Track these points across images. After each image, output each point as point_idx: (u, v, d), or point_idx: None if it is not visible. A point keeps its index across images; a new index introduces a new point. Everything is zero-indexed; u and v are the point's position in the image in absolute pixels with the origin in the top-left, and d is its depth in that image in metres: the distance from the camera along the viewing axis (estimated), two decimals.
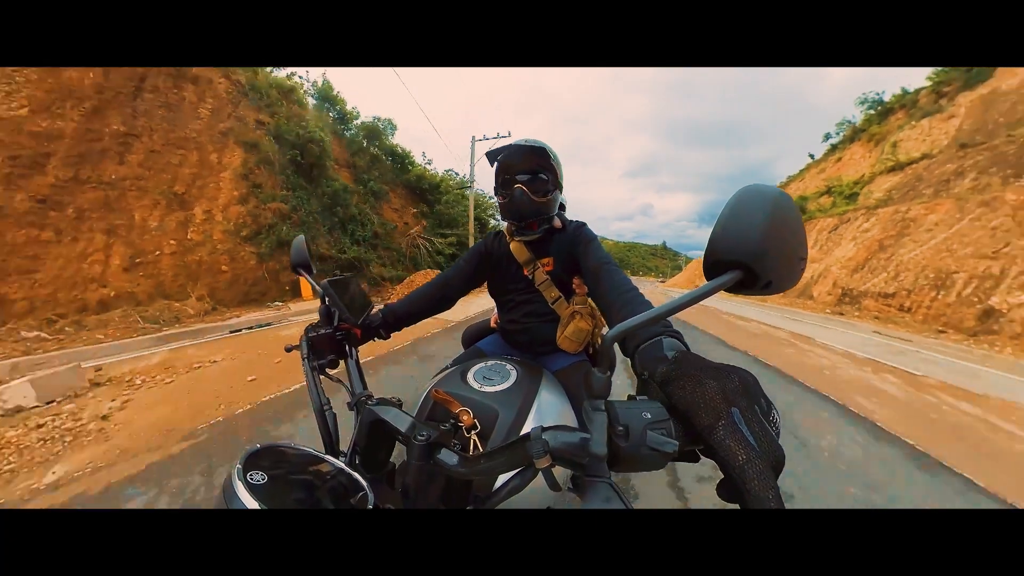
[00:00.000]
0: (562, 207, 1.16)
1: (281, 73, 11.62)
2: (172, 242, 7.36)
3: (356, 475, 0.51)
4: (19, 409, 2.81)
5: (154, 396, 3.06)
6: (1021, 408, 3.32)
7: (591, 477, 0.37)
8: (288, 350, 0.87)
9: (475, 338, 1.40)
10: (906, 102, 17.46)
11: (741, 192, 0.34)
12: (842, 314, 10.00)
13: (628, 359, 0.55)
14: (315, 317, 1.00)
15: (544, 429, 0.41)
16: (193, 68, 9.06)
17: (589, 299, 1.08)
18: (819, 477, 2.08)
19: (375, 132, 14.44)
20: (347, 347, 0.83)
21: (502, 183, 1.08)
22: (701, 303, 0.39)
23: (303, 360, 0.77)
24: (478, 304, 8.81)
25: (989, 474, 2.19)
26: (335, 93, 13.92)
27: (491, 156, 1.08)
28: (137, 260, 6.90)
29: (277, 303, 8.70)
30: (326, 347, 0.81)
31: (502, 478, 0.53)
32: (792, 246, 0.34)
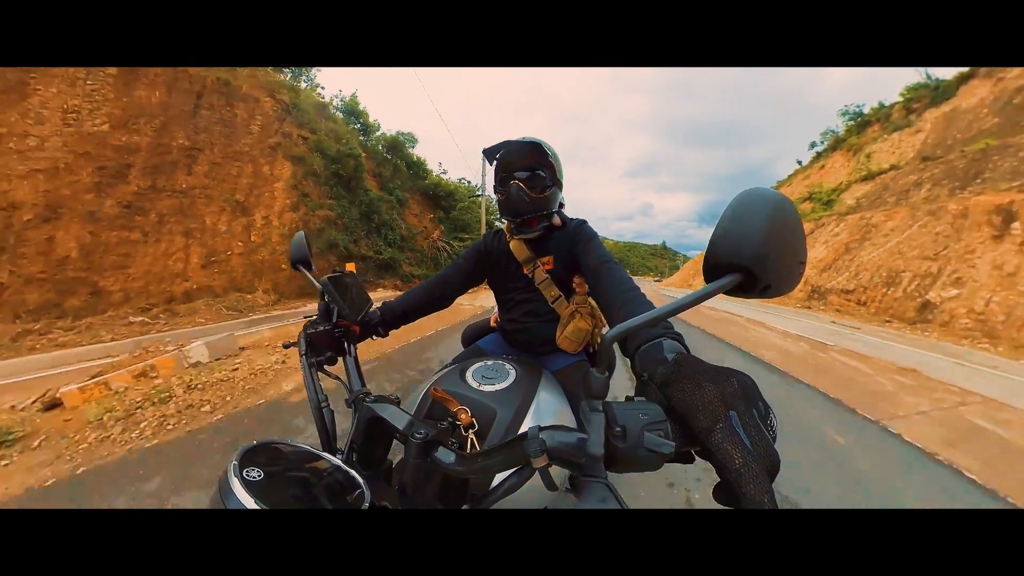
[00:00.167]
0: (560, 206, 1.13)
1: (294, 72, 12.79)
2: (239, 244, 8.64)
3: (353, 472, 0.51)
4: (199, 363, 4.04)
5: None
6: (882, 361, 4.78)
7: (588, 477, 0.37)
8: (286, 346, 0.86)
9: (475, 337, 1.40)
10: (881, 115, 18.63)
11: (742, 195, 0.34)
12: (809, 308, 11.22)
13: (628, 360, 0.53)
14: None
15: (541, 429, 0.41)
16: (242, 85, 10.30)
17: (589, 299, 1.07)
18: None
19: (397, 144, 15.72)
20: (346, 344, 0.82)
21: (500, 180, 1.07)
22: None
23: (301, 357, 0.76)
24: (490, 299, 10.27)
25: (820, 383, 3.67)
26: (361, 108, 15.20)
27: (488, 154, 1.07)
28: (212, 259, 8.16)
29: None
30: (325, 344, 0.80)
31: (499, 477, 0.53)
32: (792, 250, 0.33)
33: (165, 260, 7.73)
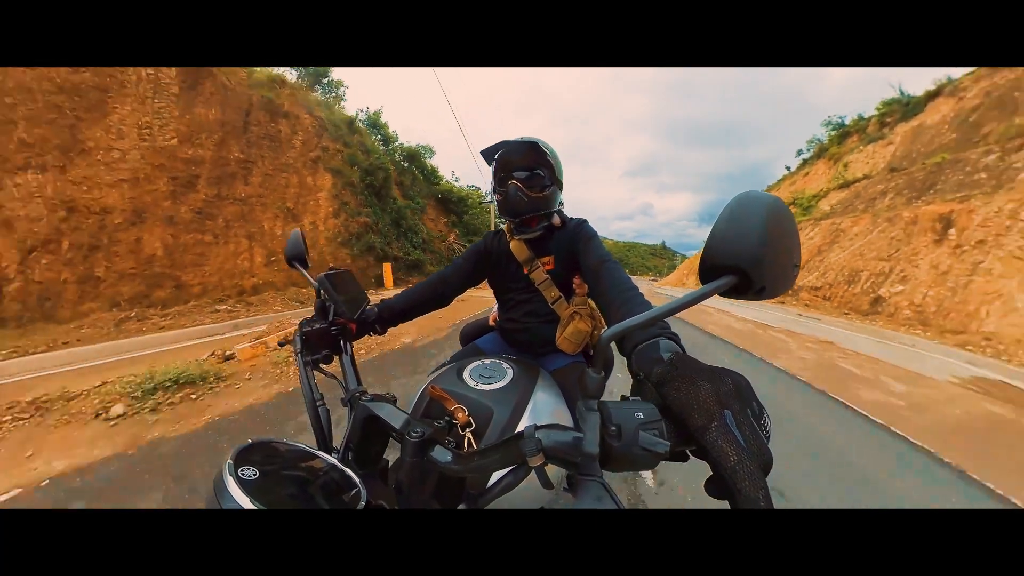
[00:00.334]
0: (559, 205, 1.10)
1: (325, 90, 14.18)
2: None
3: (349, 472, 0.50)
4: None
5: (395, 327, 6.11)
6: (807, 335, 6.28)
7: (584, 476, 0.37)
8: (281, 344, 0.87)
9: (473, 336, 1.39)
10: (860, 127, 19.89)
11: (738, 198, 0.34)
12: (783, 303, 12.54)
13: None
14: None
15: (538, 428, 0.41)
16: (284, 103, 11.59)
17: (589, 300, 1.06)
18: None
19: (415, 154, 17.08)
20: (342, 342, 0.81)
21: (498, 180, 1.07)
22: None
23: (296, 355, 0.75)
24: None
25: (740, 343, 5.21)
26: (383, 121, 16.55)
27: (487, 154, 1.05)
28: (272, 258, 9.48)
29: (370, 291, 11.41)
30: (320, 342, 0.79)
31: (496, 475, 0.52)
32: (786, 253, 0.34)
33: (234, 259, 9.04)
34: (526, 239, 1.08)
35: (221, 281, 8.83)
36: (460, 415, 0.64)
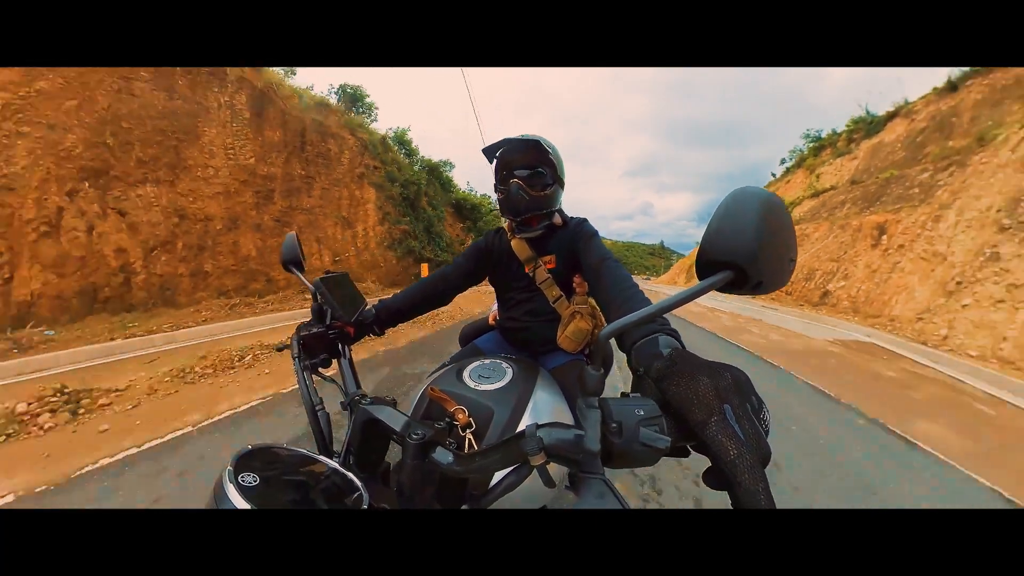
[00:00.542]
0: None
1: (357, 109, 16.24)
2: (352, 248, 12.02)
3: (350, 475, 0.50)
4: None
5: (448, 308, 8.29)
6: (744, 316, 8.63)
7: (585, 473, 0.37)
8: (279, 349, 0.86)
9: (472, 336, 1.38)
10: (832, 141, 21.87)
11: (734, 194, 0.34)
12: (759, 302, 14.61)
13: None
14: None
15: (539, 426, 0.41)
16: (331, 125, 13.52)
17: (590, 299, 1.07)
18: None
19: (435, 168, 19.17)
20: (340, 346, 0.81)
21: (500, 179, 1.07)
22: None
23: (294, 359, 0.75)
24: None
25: (694, 320, 7.76)
26: (408, 138, 18.62)
27: (488, 152, 1.04)
28: (337, 258, 11.53)
29: None
30: (318, 346, 0.79)
31: (498, 476, 0.52)
32: (782, 247, 0.34)
33: (309, 259, 10.94)
34: (527, 238, 1.09)
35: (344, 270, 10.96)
36: (460, 416, 0.64)
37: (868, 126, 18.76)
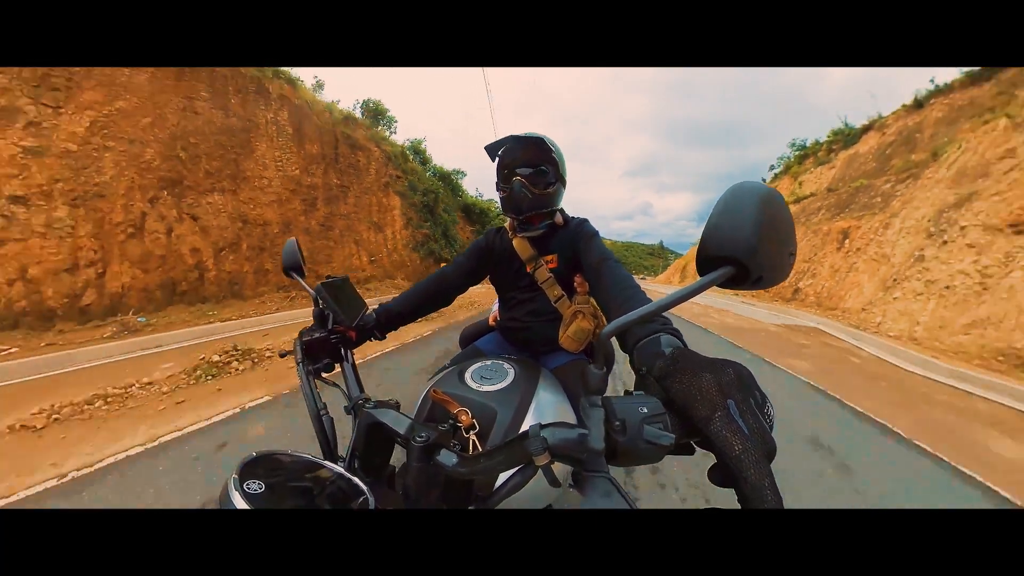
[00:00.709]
0: None
1: (381, 123, 17.83)
2: (383, 249, 13.61)
3: (355, 479, 0.51)
4: None
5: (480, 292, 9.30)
6: (717, 308, 10.49)
7: (590, 472, 0.36)
8: (282, 355, 0.86)
9: (473, 337, 1.38)
10: (815, 151, 23.37)
11: (732, 189, 0.34)
12: (736, 292, 16.18)
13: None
14: None
15: (542, 426, 0.41)
16: (359, 139, 15.00)
17: (591, 298, 1.06)
18: None
19: (447, 176, 20.77)
20: (342, 350, 0.81)
21: (502, 177, 1.06)
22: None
23: (297, 365, 0.75)
24: None
25: (674, 311, 9.51)
26: (423, 147, 20.17)
27: (491, 150, 1.05)
28: (372, 258, 13.14)
29: None
30: (321, 351, 0.79)
31: (502, 477, 0.52)
32: (782, 242, 0.34)
33: (349, 259, 12.63)
34: (529, 237, 1.10)
35: (345, 273, 12.51)
36: (464, 418, 0.64)
37: (846, 138, 20.19)
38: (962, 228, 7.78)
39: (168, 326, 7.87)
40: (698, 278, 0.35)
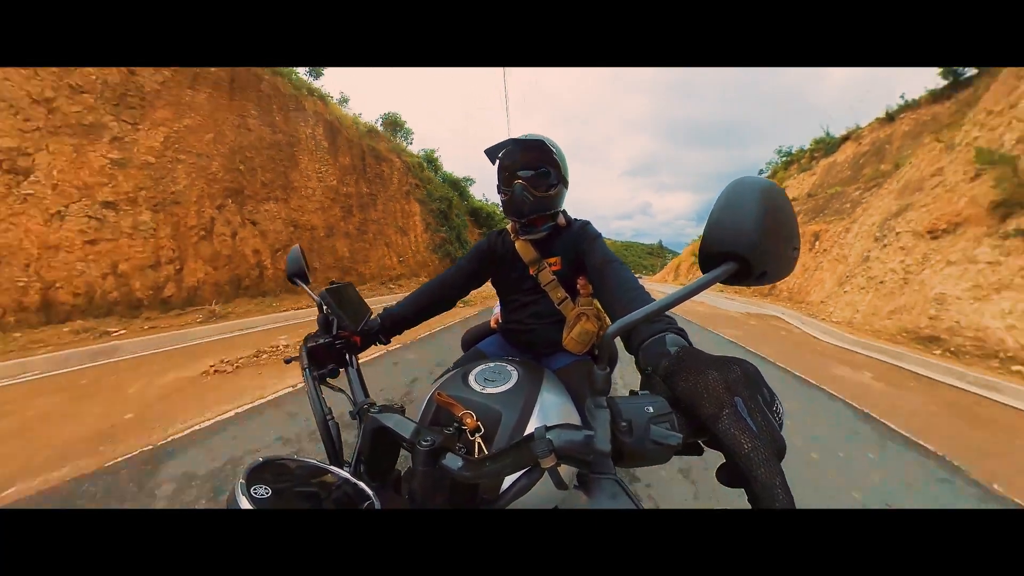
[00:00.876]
0: None
1: (397, 133, 19.47)
2: (409, 251, 15.27)
3: (361, 484, 0.50)
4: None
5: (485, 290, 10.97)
6: (699, 299, 12.15)
7: (597, 474, 0.36)
8: (287, 362, 0.85)
9: (475, 340, 1.38)
10: (799, 158, 24.87)
11: (733, 184, 0.33)
12: (722, 289, 17.79)
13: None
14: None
15: (548, 428, 0.40)
16: (382, 150, 16.60)
17: (595, 300, 1.06)
18: None
19: (458, 183, 22.43)
20: (347, 355, 0.81)
21: (504, 180, 1.06)
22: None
23: (303, 370, 0.75)
24: None
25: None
26: (435, 156, 21.80)
27: (491, 154, 1.04)
28: (400, 259, 14.80)
29: None
30: (326, 356, 0.79)
31: (508, 480, 0.53)
32: (785, 236, 0.33)
33: (382, 259, 14.24)
34: (532, 239, 1.09)
35: (379, 272, 14.03)
36: (469, 420, 0.64)
37: (827, 146, 21.62)
38: (897, 233, 9.40)
39: (242, 315, 9.48)
40: (699, 275, 0.36)
